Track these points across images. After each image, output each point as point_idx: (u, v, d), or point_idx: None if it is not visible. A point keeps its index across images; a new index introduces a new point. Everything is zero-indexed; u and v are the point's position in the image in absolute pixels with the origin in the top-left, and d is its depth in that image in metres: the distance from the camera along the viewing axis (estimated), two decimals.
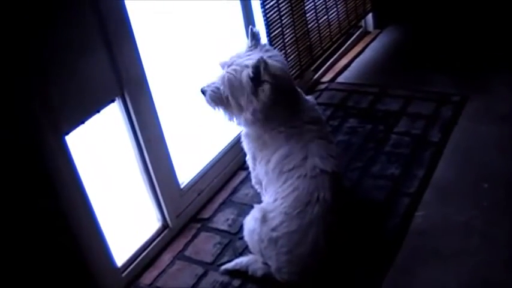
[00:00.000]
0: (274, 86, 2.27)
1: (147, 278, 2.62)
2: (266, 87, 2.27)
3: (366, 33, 4.65)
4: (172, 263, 2.68)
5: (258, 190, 2.64)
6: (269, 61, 2.28)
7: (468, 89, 3.59)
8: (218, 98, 2.40)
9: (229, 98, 2.36)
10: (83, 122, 2.26)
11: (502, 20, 4.27)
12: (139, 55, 2.47)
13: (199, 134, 3.06)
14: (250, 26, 2.49)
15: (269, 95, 2.27)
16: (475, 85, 3.64)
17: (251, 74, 2.26)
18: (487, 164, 2.93)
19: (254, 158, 2.54)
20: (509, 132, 3.13)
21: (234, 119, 2.45)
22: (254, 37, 2.44)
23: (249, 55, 2.38)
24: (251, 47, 2.44)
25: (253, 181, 2.67)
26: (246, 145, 2.57)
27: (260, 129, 2.43)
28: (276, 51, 2.49)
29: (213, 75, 2.45)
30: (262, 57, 2.24)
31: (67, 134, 2.19)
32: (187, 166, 2.95)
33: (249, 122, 2.38)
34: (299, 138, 2.38)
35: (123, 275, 2.57)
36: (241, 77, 2.30)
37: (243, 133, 2.57)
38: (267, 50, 2.43)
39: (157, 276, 2.62)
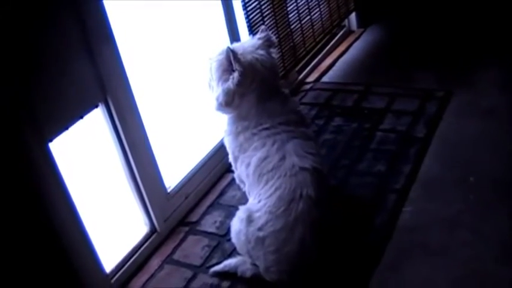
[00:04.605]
0: (245, 75, 2.39)
1: (137, 283, 2.61)
2: (235, 75, 2.39)
3: (349, 32, 4.66)
4: (161, 267, 2.67)
5: (243, 189, 2.64)
6: (249, 56, 2.42)
7: (452, 85, 3.61)
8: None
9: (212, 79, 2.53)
10: (66, 128, 2.25)
11: (484, 16, 4.29)
12: (120, 59, 2.47)
13: (185, 138, 3.05)
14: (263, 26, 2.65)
15: (237, 83, 2.39)
16: (458, 81, 3.66)
17: (223, 61, 2.42)
18: (473, 159, 2.93)
19: (236, 159, 2.56)
20: (494, 126, 3.14)
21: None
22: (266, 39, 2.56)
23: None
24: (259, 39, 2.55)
25: (237, 180, 2.70)
26: (227, 144, 2.60)
27: (234, 126, 2.51)
28: (272, 50, 2.57)
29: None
30: (229, 47, 2.38)
31: (51, 141, 2.17)
32: (174, 170, 2.94)
33: (218, 104, 2.49)
34: (274, 139, 2.42)
35: (112, 281, 2.56)
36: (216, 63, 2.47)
37: (224, 130, 2.61)
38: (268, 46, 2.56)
39: (147, 281, 2.61)
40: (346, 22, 4.61)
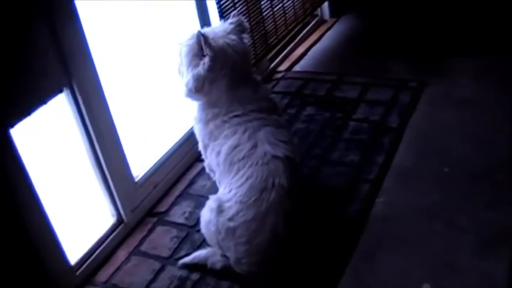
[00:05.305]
0: (215, 61, 2.34)
1: (103, 275, 2.55)
2: (206, 60, 2.34)
3: (322, 22, 4.65)
4: (128, 259, 2.62)
5: (214, 179, 2.59)
6: (220, 40, 2.38)
7: (426, 75, 3.61)
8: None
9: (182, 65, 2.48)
10: (28, 114, 2.16)
11: (458, 7, 4.30)
12: (86, 42, 2.39)
13: (154, 125, 3.00)
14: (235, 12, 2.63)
15: (207, 68, 2.34)
16: (432, 71, 3.67)
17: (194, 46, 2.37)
18: (447, 149, 2.93)
19: (205, 147, 2.52)
20: (468, 116, 3.14)
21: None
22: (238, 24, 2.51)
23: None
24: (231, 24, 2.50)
25: (207, 169, 2.66)
26: (197, 132, 2.56)
27: (204, 113, 2.47)
28: (244, 36, 2.52)
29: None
30: (200, 32, 2.33)
31: (12, 126, 2.09)
32: (142, 158, 2.88)
33: (188, 90, 2.44)
34: (245, 127, 2.38)
35: (77, 273, 2.49)
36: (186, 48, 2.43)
37: (194, 117, 2.56)
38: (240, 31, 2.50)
39: (113, 273, 2.55)
40: (318, 11, 4.60)
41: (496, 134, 2.96)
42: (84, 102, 2.41)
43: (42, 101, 2.22)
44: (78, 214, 2.55)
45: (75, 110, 2.42)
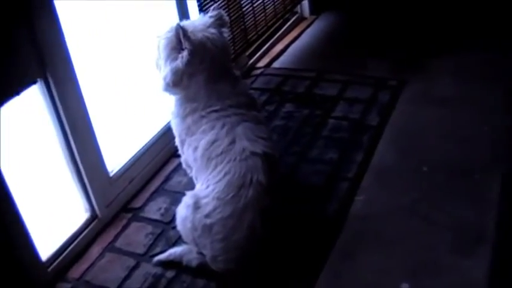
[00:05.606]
0: (194, 54, 2.30)
1: (76, 271, 2.50)
2: (184, 53, 2.30)
3: (301, 19, 4.65)
4: (102, 255, 2.57)
5: (190, 174, 2.56)
6: (200, 34, 2.34)
7: (405, 74, 3.62)
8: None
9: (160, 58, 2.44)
10: (1, 105, 2.10)
11: (437, 6, 4.32)
12: (62, 33, 2.33)
13: (130, 119, 2.95)
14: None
15: (186, 62, 2.30)
16: (412, 69, 3.68)
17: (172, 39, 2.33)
18: (426, 147, 2.93)
19: (182, 142, 2.48)
20: (447, 114, 3.15)
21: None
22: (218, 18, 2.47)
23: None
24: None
25: (184, 165, 2.61)
26: (174, 127, 2.51)
27: (181, 107, 2.43)
28: (224, 30, 2.49)
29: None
30: (178, 24, 2.30)
31: None
32: (117, 153, 2.84)
33: (166, 84, 2.40)
34: (224, 122, 2.35)
35: (49, 269, 2.44)
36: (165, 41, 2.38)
37: (171, 112, 2.52)
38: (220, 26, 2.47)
39: (87, 270, 2.50)
40: (298, 8, 4.61)
41: (475, 132, 2.97)
42: (58, 94, 2.36)
43: (15, 91, 2.17)
44: (50, 209, 2.50)
45: (49, 102, 2.36)
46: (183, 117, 2.43)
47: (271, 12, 3.95)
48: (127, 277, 2.43)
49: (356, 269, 2.31)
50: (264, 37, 4.06)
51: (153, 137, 3.02)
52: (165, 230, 2.64)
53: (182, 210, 2.34)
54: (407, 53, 3.88)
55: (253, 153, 2.27)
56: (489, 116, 3.08)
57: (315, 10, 4.65)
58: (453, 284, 2.19)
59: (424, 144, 2.95)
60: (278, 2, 4.01)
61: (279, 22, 4.20)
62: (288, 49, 4.20)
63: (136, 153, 2.92)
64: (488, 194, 2.58)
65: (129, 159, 2.88)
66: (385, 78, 3.59)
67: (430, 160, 2.82)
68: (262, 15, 3.85)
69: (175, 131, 2.51)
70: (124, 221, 2.74)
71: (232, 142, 2.30)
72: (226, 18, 2.52)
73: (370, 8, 4.55)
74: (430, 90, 3.39)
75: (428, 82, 3.48)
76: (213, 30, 2.39)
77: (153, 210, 2.78)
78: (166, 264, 2.44)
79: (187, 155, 2.46)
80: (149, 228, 2.68)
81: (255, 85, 3.71)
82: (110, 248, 2.60)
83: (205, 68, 2.36)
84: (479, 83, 3.40)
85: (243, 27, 3.64)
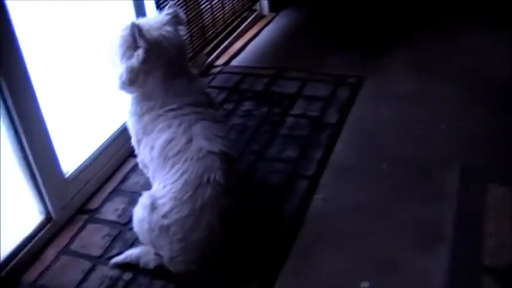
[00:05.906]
0: (150, 53, 2.26)
1: (30, 275, 2.45)
2: (140, 51, 2.26)
3: (261, 16, 4.64)
4: (57, 258, 2.52)
5: (147, 175, 2.52)
6: (155, 32, 2.31)
7: (364, 71, 3.64)
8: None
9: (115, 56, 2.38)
10: None
11: (398, 2, 4.36)
12: (14, 31, 2.28)
13: (86, 119, 2.89)
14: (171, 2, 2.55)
15: (141, 60, 2.26)
16: (371, 66, 3.69)
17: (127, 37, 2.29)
18: (385, 145, 2.95)
19: (139, 142, 2.45)
20: (406, 111, 3.18)
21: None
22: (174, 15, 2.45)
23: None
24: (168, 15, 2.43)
25: (140, 165, 2.57)
26: (130, 126, 2.48)
27: (138, 106, 2.40)
28: (180, 28, 2.47)
29: None
30: (133, 23, 2.26)
31: None
32: (73, 153, 2.78)
33: (122, 83, 2.36)
34: (181, 121, 2.32)
35: (3, 273, 2.39)
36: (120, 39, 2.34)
37: (127, 111, 2.48)
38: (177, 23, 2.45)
39: (41, 273, 2.45)
40: (257, 6, 4.60)
41: (433, 130, 3.00)
42: (10, 93, 2.30)
43: None
44: (3, 211, 2.42)
45: (1, 101, 2.31)
46: (140, 115, 2.39)
47: (229, 10, 3.95)
48: (83, 280, 2.39)
49: (316, 268, 2.31)
50: (222, 35, 4.04)
51: (109, 137, 2.98)
52: (122, 232, 2.60)
53: (139, 211, 2.31)
54: (366, 49, 3.91)
55: (210, 152, 2.24)
56: (447, 112, 3.11)
57: (274, 8, 4.65)
58: (413, 281, 2.20)
59: (383, 142, 2.96)
60: None
61: (238, 20, 4.18)
62: (247, 47, 4.19)
63: (92, 154, 2.87)
64: (446, 190, 2.59)
65: (85, 160, 2.83)
66: (344, 75, 3.59)
67: (389, 157, 2.83)
68: (220, 12, 3.84)
69: (132, 130, 2.47)
70: (80, 223, 2.68)
71: (190, 141, 2.27)
72: (183, 16, 2.49)
73: (329, 4, 4.57)
74: (389, 87, 3.42)
75: (387, 79, 3.51)
76: (169, 28, 2.37)
77: (110, 212, 2.73)
78: (123, 266, 2.40)
79: (144, 155, 2.42)
80: (106, 229, 2.63)
81: (213, 83, 3.69)
82: (66, 250, 2.55)
83: (162, 66, 2.33)
84: (439, 78, 3.44)
85: (201, 25, 3.62)
